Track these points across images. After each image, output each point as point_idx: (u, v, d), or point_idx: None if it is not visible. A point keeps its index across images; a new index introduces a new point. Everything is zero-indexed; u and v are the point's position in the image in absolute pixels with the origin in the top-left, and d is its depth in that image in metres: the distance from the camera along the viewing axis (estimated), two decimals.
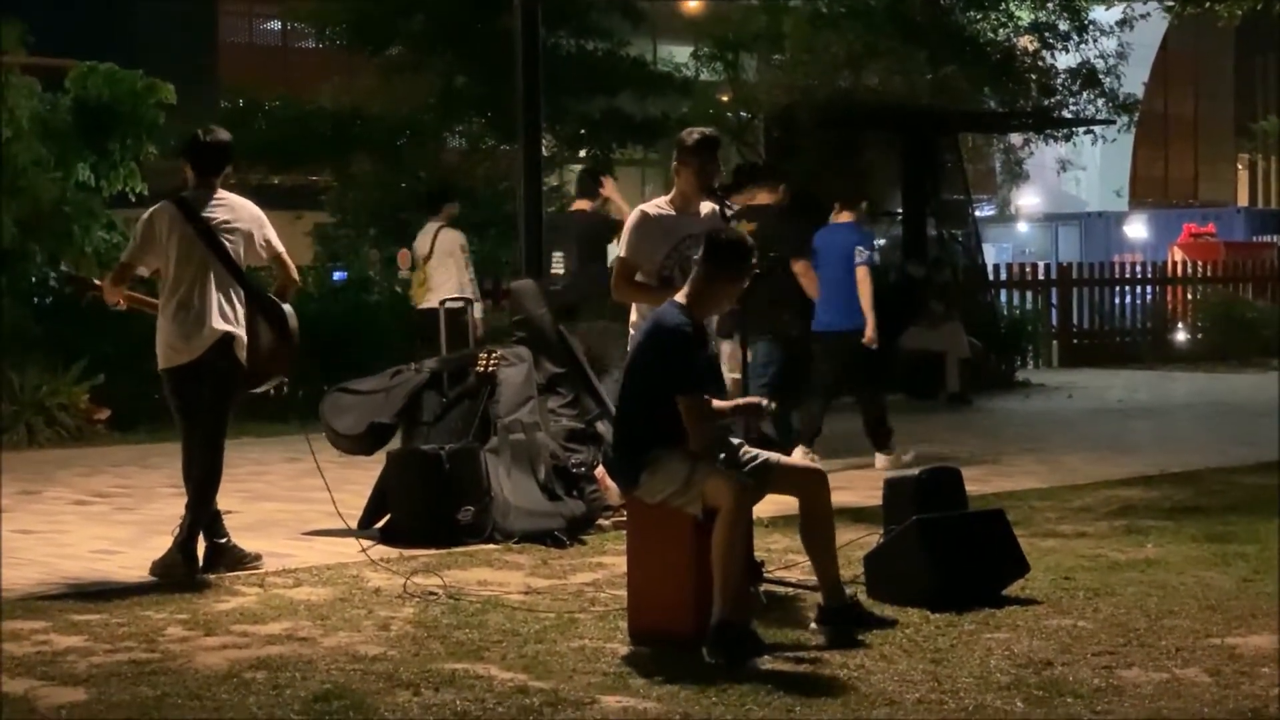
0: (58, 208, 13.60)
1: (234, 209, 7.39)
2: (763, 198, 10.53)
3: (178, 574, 7.09)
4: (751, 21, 19.01)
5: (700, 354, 5.85)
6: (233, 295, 7.27)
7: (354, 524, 8.23)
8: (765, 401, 6.16)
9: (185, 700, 5.03)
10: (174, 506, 9.46)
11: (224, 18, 34.82)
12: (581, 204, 11.03)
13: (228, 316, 7.25)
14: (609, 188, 10.91)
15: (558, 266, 10.72)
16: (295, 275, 7.55)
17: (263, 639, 5.88)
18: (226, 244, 7.28)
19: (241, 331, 7.29)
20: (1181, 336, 22.04)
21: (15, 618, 6.22)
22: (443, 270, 13.04)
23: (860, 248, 10.80)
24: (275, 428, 13.66)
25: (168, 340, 7.27)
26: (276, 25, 35.27)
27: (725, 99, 19.43)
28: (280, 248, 7.48)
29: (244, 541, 8.13)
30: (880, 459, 10.67)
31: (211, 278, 7.24)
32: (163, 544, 8.14)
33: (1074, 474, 10.37)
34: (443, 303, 10.26)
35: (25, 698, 5.06)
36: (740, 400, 6.11)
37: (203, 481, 7.40)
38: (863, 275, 10.73)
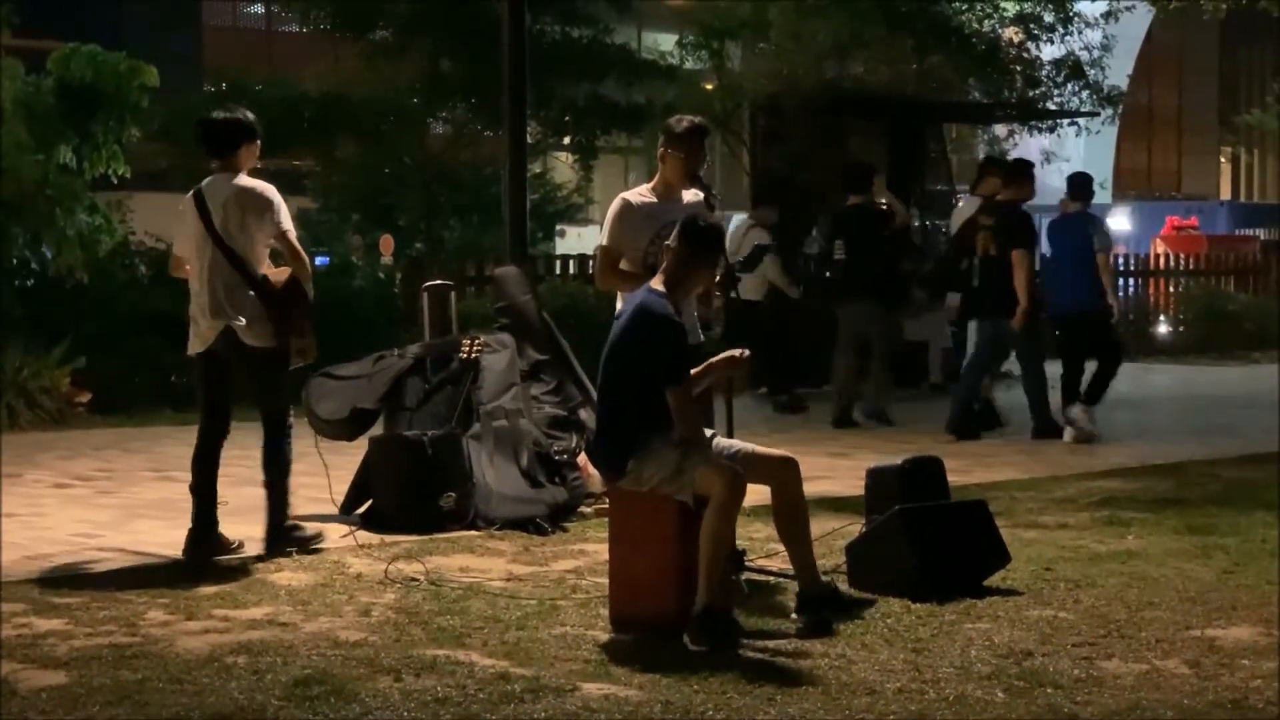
0: (40, 190, 13.54)
1: (243, 194, 7.30)
2: (995, 189, 11.95)
3: (289, 546, 7.24)
4: (737, 9, 18.98)
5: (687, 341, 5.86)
6: (238, 284, 7.23)
7: (337, 509, 8.24)
8: (740, 351, 6.12)
9: (166, 684, 5.02)
10: (155, 490, 9.47)
11: (208, 0, 34.68)
12: (856, 199, 12.71)
13: (224, 309, 7.21)
14: (878, 186, 12.80)
15: (839, 254, 12.63)
16: (300, 260, 7.35)
17: (244, 624, 5.87)
18: (230, 231, 7.23)
19: (244, 320, 7.21)
20: (1164, 329, 22.07)
21: None
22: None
23: (1096, 236, 11.80)
24: (257, 412, 13.64)
25: (191, 328, 7.37)
26: (260, 8, 35.15)
27: (710, 87, 19.40)
28: (285, 230, 7.31)
29: (228, 526, 8.11)
30: (1076, 410, 11.59)
31: (215, 267, 7.23)
32: (144, 527, 8.15)
33: (1055, 465, 10.39)
34: (424, 287, 10.23)
35: (5, 680, 5.06)
36: (716, 358, 6.08)
37: (267, 462, 7.39)
38: (1103, 261, 11.77)
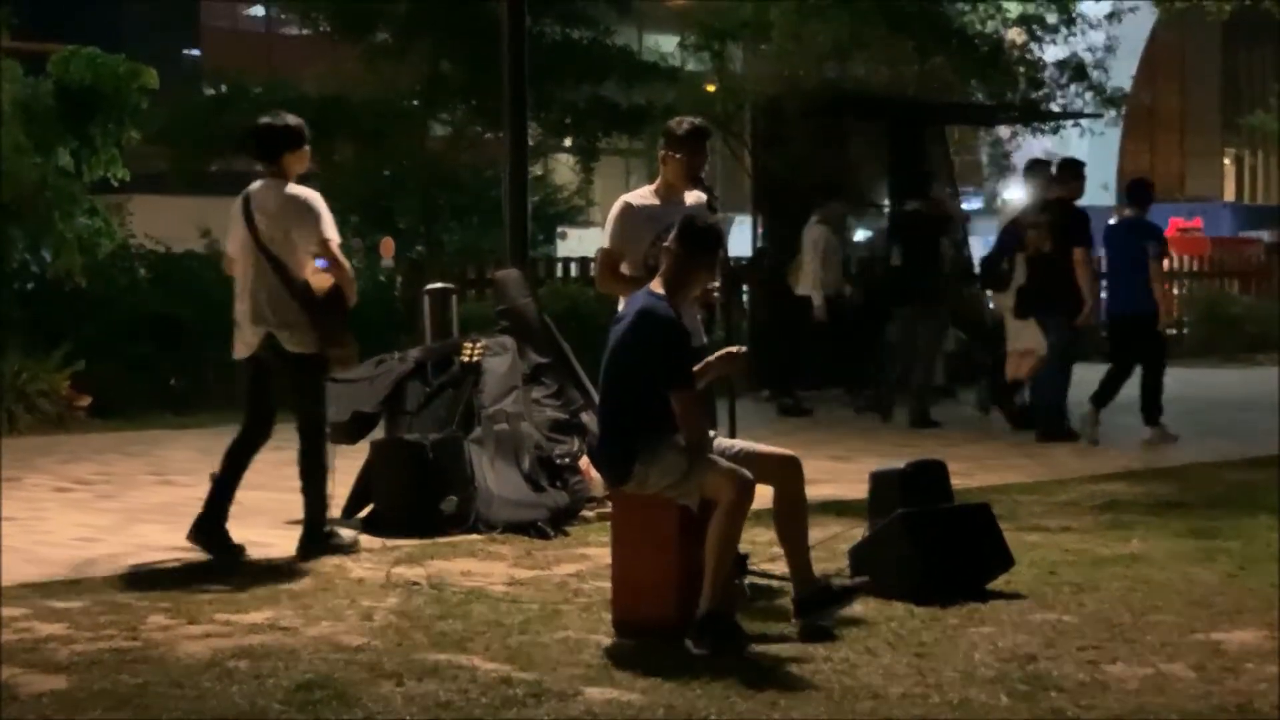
0: (40, 193, 13.53)
1: (288, 202, 7.31)
2: (1058, 192, 12.04)
3: (324, 552, 7.23)
4: (738, 11, 18.98)
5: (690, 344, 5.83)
6: (280, 290, 7.25)
7: (338, 513, 8.22)
8: (738, 347, 6.11)
9: (167, 689, 5.00)
10: (155, 494, 9.46)
11: (207, 2, 34.70)
12: (914, 203, 13.34)
13: (265, 315, 7.25)
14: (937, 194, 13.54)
15: (896, 259, 13.24)
16: (343, 268, 7.31)
17: (245, 628, 5.85)
18: (274, 238, 7.26)
19: (285, 326, 7.25)
20: (1167, 331, 22.05)
21: None
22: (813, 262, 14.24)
23: (1152, 243, 11.90)
24: None
25: (235, 332, 7.45)
26: (260, 11, 35.17)
27: (711, 88, 19.39)
28: (328, 238, 7.28)
29: (232, 529, 8.11)
30: (1149, 432, 11.77)
31: (259, 273, 7.27)
32: (144, 530, 8.14)
33: (1059, 468, 10.38)
34: (425, 290, 10.22)
35: (6, 685, 5.04)
36: (713, 356, 6.06)
37: (305, 468, 7.45)
38: (1155, 269, 11.92)
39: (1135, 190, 12.40)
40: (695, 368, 5.93)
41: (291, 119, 7.47)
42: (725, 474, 5.61)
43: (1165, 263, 12.14)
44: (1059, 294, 11.77)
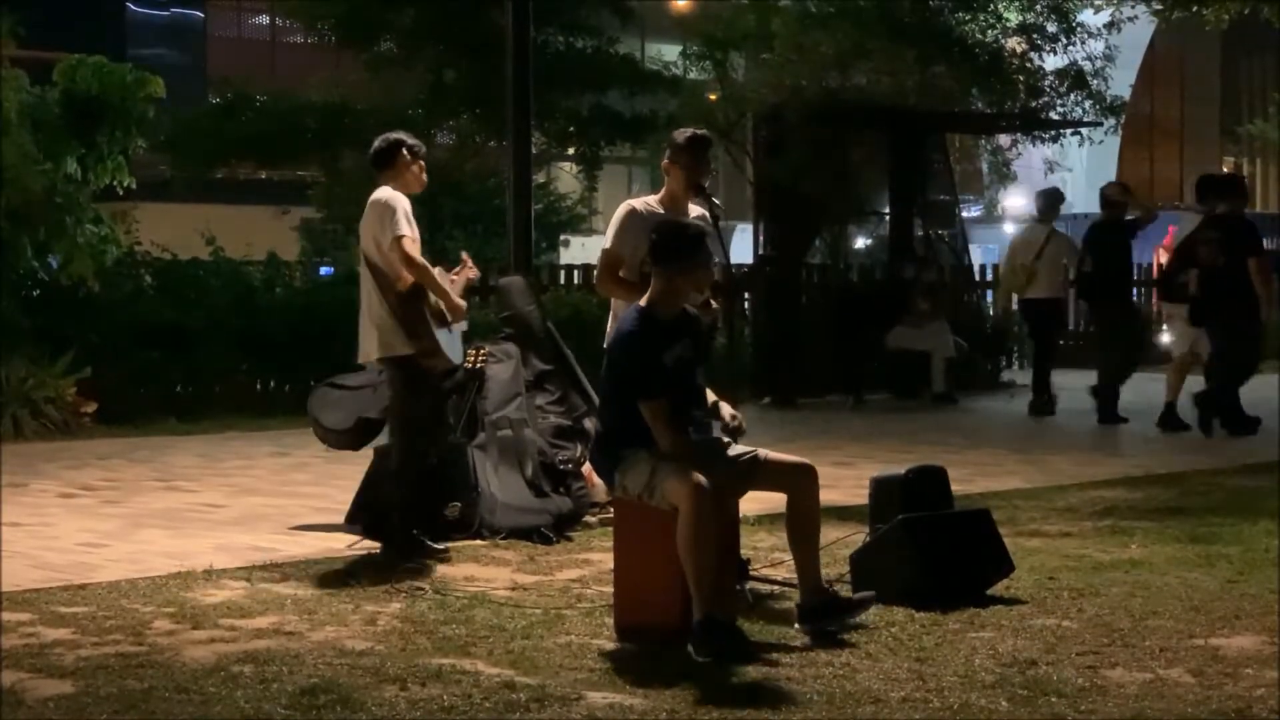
0: (48, 200, 13.57)
1: (371, 205, 7.44)
2: (1224, 207, 12.59)
3: (415, 559, 7.23)
4: (740, 20, 19.00)
5: (667, 352, 5.83)
6: (374, 302, 7.40)
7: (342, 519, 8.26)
8: (734, 417, 6.11)
9: (172, 693, 5.03)
10: (160, 500, 9.49)
11: (213, 11, 34.75)
12: (1109, 213, 13.67)
13: (369, 320, 7.44)
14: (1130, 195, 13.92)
15: (1087, 265, 13.66)
16: (415, 266, 7.32)
17: (250, 633, 5.88)
18: (367, 243, 7.40)
19: (382, 351, 7.42)
20: (1166, 339, 22.05)
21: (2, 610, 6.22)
22: (1052, 268, 14.57)
23: (1249, 243, 12.44)
24: (261, 422, 13.68)
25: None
26: (265, 19, 35.21)
27: (714, 97, 19.42)
28: (398, 235, 7.29)
29: (230, 536, 8.15)
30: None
31: (364, 279, 7.47)
32: (150, 536, 8.16)
33: (1059, 474, 10.40)
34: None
35: (12, 690, 5.06)
36: (719, 412, 6.10)
37: (395, 470, 7.52)
38: (1255, 266, 12.32)
39: (1227, 188, 13.12)
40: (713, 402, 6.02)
41: (395, 135, 7.63)
42: (682, 483, 5.62)
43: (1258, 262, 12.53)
44: (1231, 303, 12.34)
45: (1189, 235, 13.08)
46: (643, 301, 5.93)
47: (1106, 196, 13.85)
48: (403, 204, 7.36)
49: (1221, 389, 12.69)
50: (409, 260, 7.31)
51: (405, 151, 7.52)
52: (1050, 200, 14.96)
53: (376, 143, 7.65)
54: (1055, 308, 14.93)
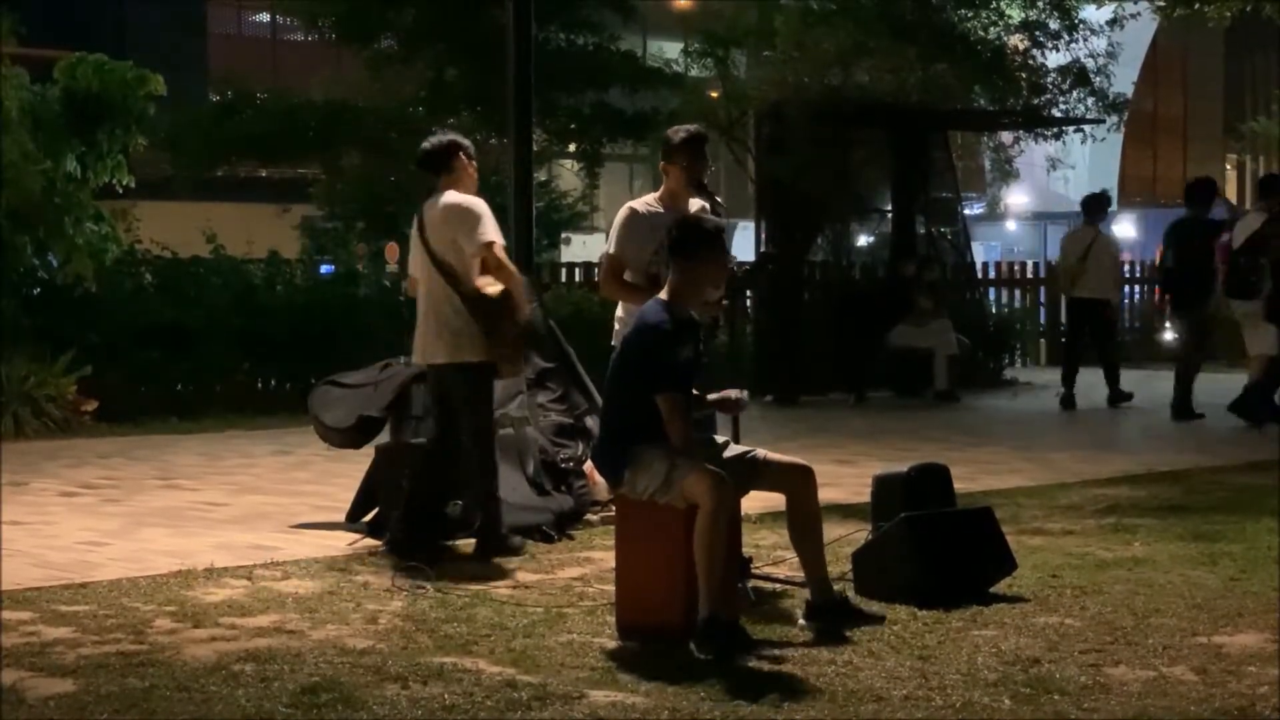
0: (48, 199, 13.56)
1: (449, 210, 7.41)
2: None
3: (506, 554, 7.30)
4: (742, 17, 19.00)
5: (681, 350, 5.84)
6: (449, 306, 7.35)
7: (356, 521, 8.25)
8: (739, 393, 6.17)
9: (174, 692, 5.02)
10: (161, 498, 9.48)
11: (213, 9, 34.73)
12: (1193, 211, 13.86)
13: (441, 325, 7.36)
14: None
15: (1170, 261, 13.92)
16: (508, 272, 7.37)
17: (251, 631, 5.87)
18: (442, 247, 7.35)
19: (449, 355, 7.37)
20: (1169, 336, 22.03)
21: (3, 609, 6.21)
22: (1099, 268, 14.94)
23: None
24: (263, 420, 13.67)
25: (416, 339, 7.56)
26: (266, 17, 35.19)
27: (715, 95, 19.41)
28: (490, 242, 7.32)
29: (231, 535, 8.15)
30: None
31: (433, 283, 7.39)
32: (150, 535, 8.16)
33: (1061, 472, 10.39)
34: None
35: (13, 689, 5.06)
36: (716, 395, 6.13)
37: (472, 474, 7.52)
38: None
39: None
40: (714, 396, 5.99)
41: (448, 136, 7.65)
42: (703, 478, 5.63)
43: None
44: None
45: (1256, 233, 13.08)
46: (663, 295, 5.92)
47: (1193, 192, 14.09)
48: (487, 209, 7.39)
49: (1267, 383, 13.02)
50: (503, 267, 7.34)
51: (462, 154, 7.53)
52: (1097, 203, 15.35)
53: (429, 144, 7.61)
54: (1102, 307, 15.18)
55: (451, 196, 7.42)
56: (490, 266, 7.34)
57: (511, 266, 7.42)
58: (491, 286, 7.32)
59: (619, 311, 7.05)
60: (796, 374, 15.96)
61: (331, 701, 4.88)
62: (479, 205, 7.38)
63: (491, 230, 7.33)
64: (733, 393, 6.18)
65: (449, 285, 7.34)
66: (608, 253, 7.02)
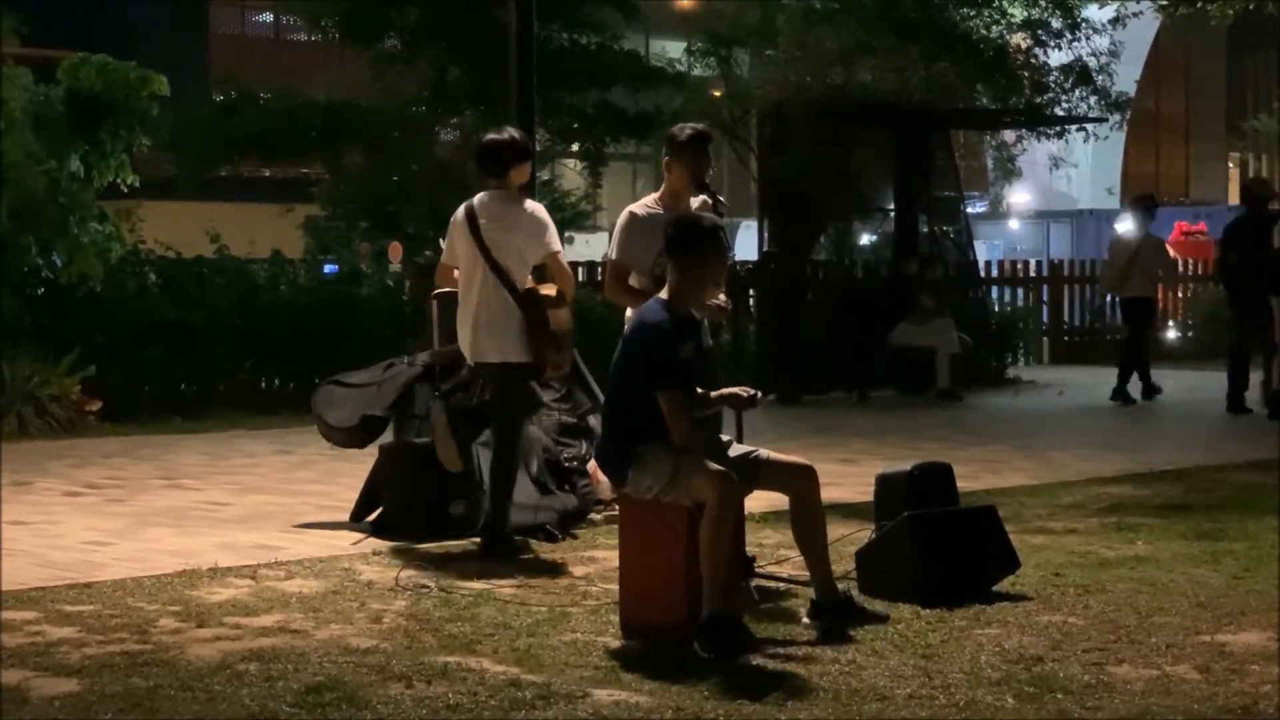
0: (51, 198, 13.57)
1: (517, 213, 7.48)
2: None
3: (501, 555, 7.31)
4: (744, 17, 18.99)
5: (683, 349, 5.84)
6: (499, 306, 7.39)
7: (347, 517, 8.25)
8: (749, 391, 6.18)
9: (178, 691, 5.03)
10: (165, 498, 9.49)
11: (216, 9, 34.74)
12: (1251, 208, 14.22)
13: (489, 323, 7.40)
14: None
15: (1233, 259, 14.08)
16: (567, 279, 7.56)
17: (255, 631, 5.88)
18: (501, 249, 7.41)
19: (500, 355, 7.43)
20: (1172, 334, 22.05)
21: (7, 609, 6.22)
22: (1148, 268, 15.43)
23: None
24: (266, 420, 13.68)
25: (460, 336, 7.61)
26: (269, 17, 35.20)
27: (718, 94, 19.40)
28: (556, 251, 7.50)
29: (235, 534, 8.16)
30: None
31: (484, 282, 7.42)
32: (154, 534, 8.17)
33: (1064, 471, 10.39)
34: (434, 295, 10.25)
35: (18, 688, 5.07)
36: (725, 390, 6.14)
37: (495, 470, 7.57)
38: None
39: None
40: (721, 392, 6.00)
41: (514, 133, 7.71)
42: (710, 476, 5.63)
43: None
44: None
45: None
46: (663, 294, 5.93)
47: (1250, 191, 14.46)
48: (549, 217, 7.58)
49: None
50: (567, 275, 7.57)
51: (528, 149, 7.66)
52: (1144, 205, 15.84)
53: (491, 141, 7.64)
54: (1149, 305, 15.78)
55: (526, 203, 7.57)
56: (551, 273, 7.53)
57: (569, 271, 7.65)
58: (546, 287, 7.48)
59: (629, 314, 7.05)
60: (799, 373, 15.97)
61: (335, 701, 4.89)
62: (545, 214, 7.56)
63: (557, 239, 7.54)
64: (743, 390, 6.18)
65: (501, 285, 7.40)
66: (610, 259, 7.02)
